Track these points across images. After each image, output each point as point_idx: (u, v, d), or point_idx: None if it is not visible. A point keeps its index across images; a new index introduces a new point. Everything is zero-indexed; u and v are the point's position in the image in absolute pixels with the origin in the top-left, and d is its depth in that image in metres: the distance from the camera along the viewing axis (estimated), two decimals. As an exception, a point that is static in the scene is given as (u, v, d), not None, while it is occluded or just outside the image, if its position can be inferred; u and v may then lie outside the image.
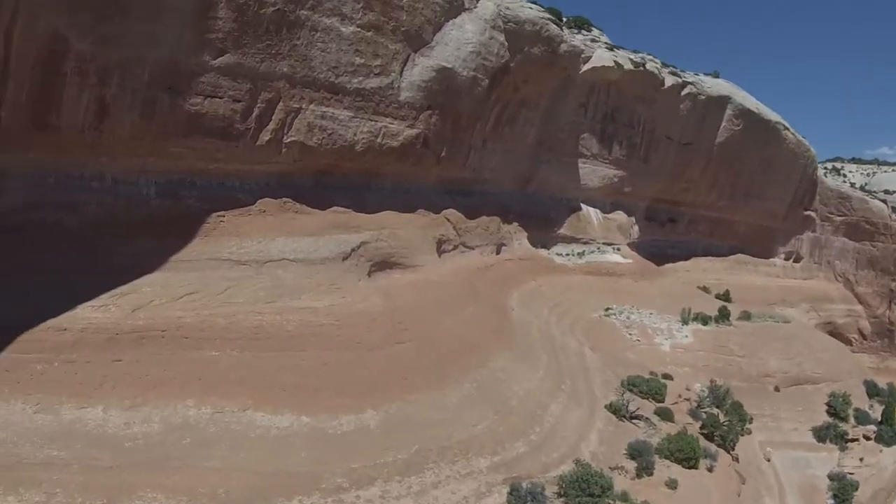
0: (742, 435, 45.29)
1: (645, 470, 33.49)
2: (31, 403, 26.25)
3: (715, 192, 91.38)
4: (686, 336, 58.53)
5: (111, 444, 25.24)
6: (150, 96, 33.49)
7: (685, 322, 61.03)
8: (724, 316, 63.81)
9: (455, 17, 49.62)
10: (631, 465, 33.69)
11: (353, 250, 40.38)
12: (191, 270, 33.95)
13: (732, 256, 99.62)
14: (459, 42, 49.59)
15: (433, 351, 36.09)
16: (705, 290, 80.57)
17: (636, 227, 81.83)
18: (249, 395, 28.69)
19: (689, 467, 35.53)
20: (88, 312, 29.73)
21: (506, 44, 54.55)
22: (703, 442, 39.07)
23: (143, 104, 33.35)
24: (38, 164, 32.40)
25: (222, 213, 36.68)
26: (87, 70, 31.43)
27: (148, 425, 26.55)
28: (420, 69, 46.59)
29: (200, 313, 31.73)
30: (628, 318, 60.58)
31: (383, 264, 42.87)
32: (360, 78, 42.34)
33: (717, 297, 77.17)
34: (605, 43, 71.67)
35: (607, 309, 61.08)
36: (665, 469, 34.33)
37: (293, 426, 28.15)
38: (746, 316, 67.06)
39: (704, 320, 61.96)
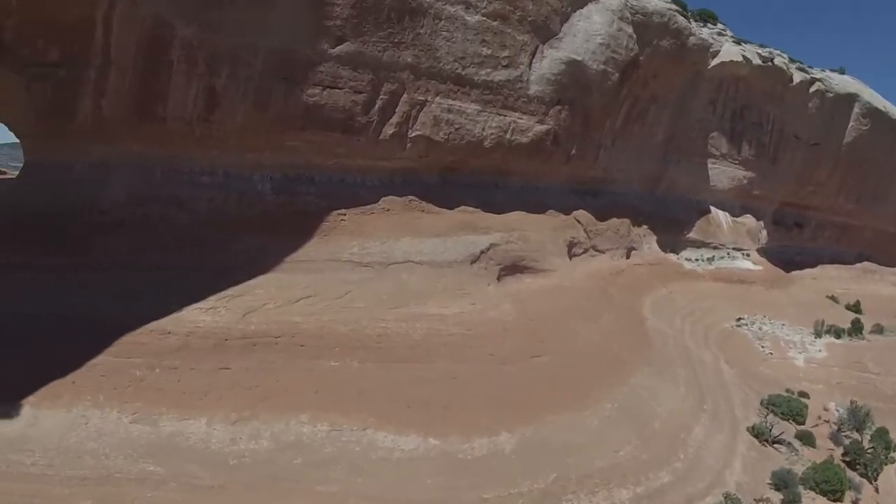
0: (886, 464, 40.00)
1: (791, 503, 28.72)
2: (128, 412, 23.19)
3: (842, 195, 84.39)
4: (819, 350, 52.13)
5: (214, 462, 22.05)
6: (265, 86, 30.16)
7: (818, 335, 54.79)
8: (857, 329, 57.14)
9: (582, 8, 45.18)
10: (776, 497, 29.01)
11: (481, 252, 35.88)
12: (308, 272, 30.11)
13: (859, 265, 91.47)
14: (588, 34, 45.06)
15: (571, 365, 31.41)
16: (833, 299, 73.22)
17: (764, 232, 75.36)
18: (371, 412, 24.62)
19: (835, 500, 30.60)
20: (196, 315, 26.34)
21: (634, 36, 49.81)
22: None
23: (256, 94, 30.08)
24: (144, 157, 29.53)
25: (343, 211, 32.81)
26: (195, 58, 28.58)
27: (256, 442, 23.04)
28: (549, 62, 42.21)
29: (319, 318, 27.78)
30: (760, 328, 54.67)
31: (513, 268, 38.18)
32: (488, 70, 38.19)
33: (847, 307, 70.07)
34: (731, 37, 66.06)
35: (739, 319, 55.32)
36: (810, 502, 29.63)
37: (419, 449, 24.02)
38: (879, 329, 59.90)
39: (838, 333, 55.52)
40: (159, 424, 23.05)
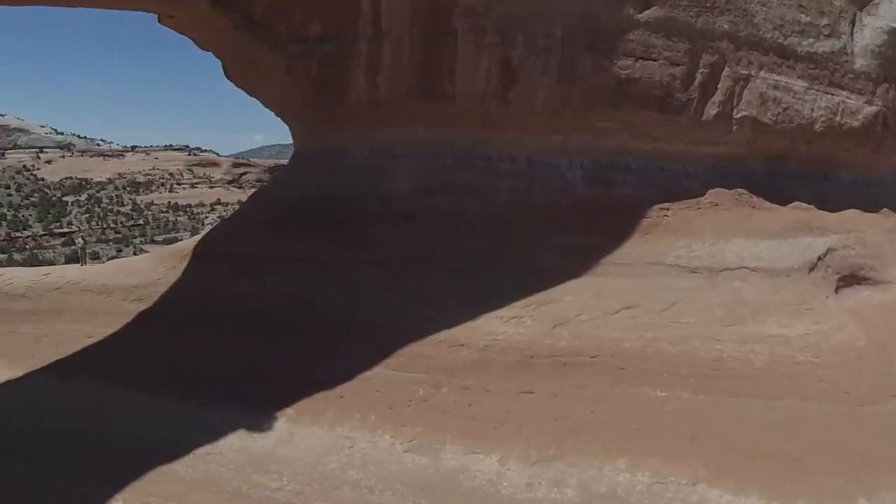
0: None
1: None
2: (404, 438, 18.97)
3: None
4: None
5: (503, 510, 17.02)
6: (568, 58, 24.72)
7: None
8: None
9: (891, -32, 37.19)
10: None
11: (819, 259, 28.55)
12: (627, 276, 24.20)
13: None
14: (902, -2, 37.17)
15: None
16: None
17: None
18: (704, 461, 18.35)
19: None
20: (494, 325, 21.26)
21: (952, 0, 41.48)
22: None
23: (559, 67, 24.68)
24: (431, 142, 25.20)
25: (665, 204, 26.58)
26: (483, 26, 23.85)
27: (559, 490, 17.40)
28: (870, 31, 34.33)
29: (642, 335, 21.73)
30: None
31: (851, 278, 30.41)
32: (810, 40, 31.17)
33: None
34: None
35: None
36: None
37: (762, 516, 17.58)
38: None
39: None
40: (440, 456, 18.49)
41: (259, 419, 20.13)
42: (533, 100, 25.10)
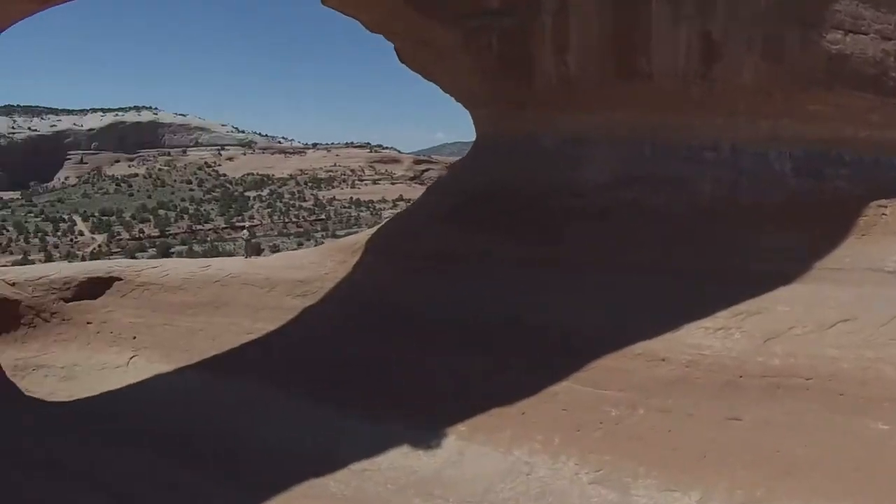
0: None
1: None
2: (590, 467, 16.55)
3: None
4: None
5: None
6: (775, 31, 21.81)
7: None
8: None
9: None
10: None
11: None
12: (841, 284, 20.43)
13: None
14: None
15: None
16: None
17: None
18: None
19: None
20: (699, 337, 18.37)
21: None
22: None
23: (764, 42, 21.73)
24: (629, 127, 22.58)
25: (883, 201, 22.49)
26: None
27: (766, 541, 13.90)
28: None
29: (860, 355, 17.76)
30: None
31: None
32: None
33: None
34: None
35: None
36: None
37: None
38: None
39: None
40: (631, 492, 15.91)
41: (426, 434, 18.22)
42: (738, 79, 21.92)
